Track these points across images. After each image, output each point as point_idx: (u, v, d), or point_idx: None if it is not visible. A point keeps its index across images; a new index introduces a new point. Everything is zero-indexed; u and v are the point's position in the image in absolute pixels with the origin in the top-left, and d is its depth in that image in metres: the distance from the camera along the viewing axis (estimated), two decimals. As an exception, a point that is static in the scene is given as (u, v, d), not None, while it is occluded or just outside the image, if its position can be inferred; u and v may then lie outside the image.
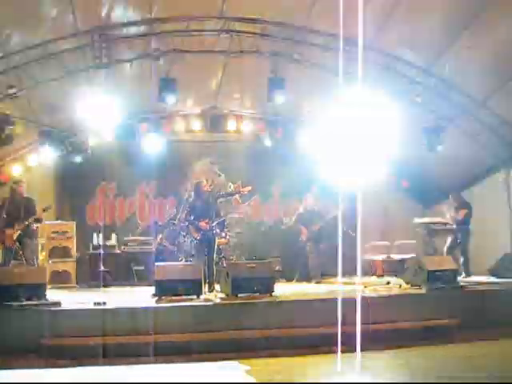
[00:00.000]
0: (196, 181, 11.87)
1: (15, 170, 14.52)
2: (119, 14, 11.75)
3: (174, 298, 9.33)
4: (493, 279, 12.29)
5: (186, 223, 11.94)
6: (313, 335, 8.36)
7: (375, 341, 8.22)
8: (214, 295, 10.20)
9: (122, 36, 12.26)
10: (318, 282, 12.96)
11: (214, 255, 11.42)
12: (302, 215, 13.81)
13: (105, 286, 13.49)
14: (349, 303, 9.09)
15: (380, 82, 13.46)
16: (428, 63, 13.01)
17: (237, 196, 15.13)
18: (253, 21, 12.58)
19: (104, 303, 8.86)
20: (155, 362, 7.38)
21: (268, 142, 15.99)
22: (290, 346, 8.03)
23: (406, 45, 12.71)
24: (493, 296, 9.78)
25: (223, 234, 13.60)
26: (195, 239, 11.37)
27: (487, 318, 9.23)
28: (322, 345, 8.09)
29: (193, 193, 11.72)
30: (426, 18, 11.42)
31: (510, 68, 11.98)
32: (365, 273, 15.71)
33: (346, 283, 13.30)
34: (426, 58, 12.90)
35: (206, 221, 11.16)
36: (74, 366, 7.16)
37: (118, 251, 14.49)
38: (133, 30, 12.35)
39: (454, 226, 13.23)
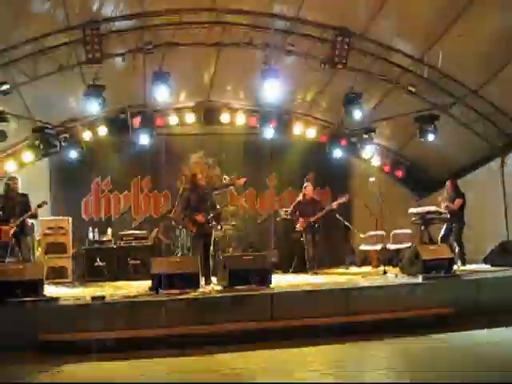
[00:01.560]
0: (191, 174, 11.77)
1: (10, 167, 14.47)
2: (110, 8, 11.73)
3: (171, 291, 9.34)
4: (488, 267, 12.31)
5: (182, 216, 11.79)
6: (311, 326, 8.37)
7: (373, 330, 8.26)
8: (211, 288, 10.21)
9: (113, 30, 12.23)
10: (314, 273, 12.97)
11: (211, 248, 11.41)
12: (301, 204, 13.72)
13: (101, 280, 13.49)
14: (346, 293, 9.17)
15: (373, 71, 13.57)
16: (421, 52, 13.00)
17: (232, 188, 15.12)
18: (245, 12, 12.57)
19: (102, 298, 8.88)
20: (155, 356, 7.37)
21: (262, 134, 15.98)
22: (288, 337, 8.03)
23: (399, 34, 12.72)
24: (488, 284, 9.81)
25: (219, 227, 13.58)
26: (191, 232, 11.32)
27: (483, 306, 9.26)
28: (320, 335, 8.11)
29: (188, 186, 11.61)
30: (419, 6, 11.43)
31: (503, 56, 11.99)
32: (361, 263, 15.79)
33: (342, 274, 13.41)
34: (419, 46, 12.90)
35: (202, 214, 11.10)
36: (72, 362, 7.15)
37: (114, 246, 14.47)
38: (125, 23, 12.33)
39: (448, 216, 13.24)
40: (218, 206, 11.82)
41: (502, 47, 11.76)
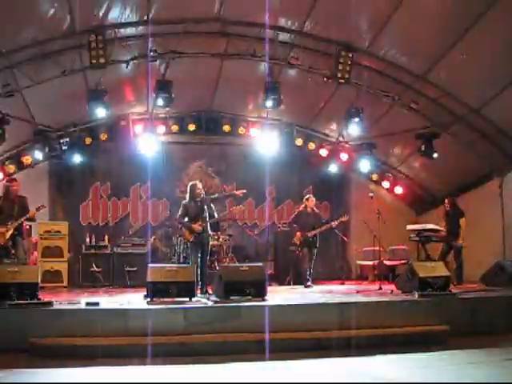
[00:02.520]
0: (191, 183, 11.71)
1: (9, 169, 14.47)
2: (116, 14, 11.77)
3: (166, 299, 9.32)
4: (484, 287, 12.30)
5: (180, 225, 11.87)
6: (305, 339, 8.36)
7: (366, 346, 8.24)
8: (206, 298, 10.20)
9: (118, 37, 12.27)
10: (310, 286, 12.95)
11: (207, 257, 11.43)
12: (301, 215, 13.65)
13: (97, 286, 13.49)
14: (342, 308, 9.16)
15: (375, 86, 13.60)
16: (424, 70, 13.05)
17: (231, 198, 15.15)
18: (249, 24, 12.63)
19: (96, 304, 8.86)
20: (146, 364, 7.36)
21: (263, 145, 16.00)
22: (283, 350, 8.01)
23: (403, 51, 12.76)
24: (484, 304, 9.79)
25: (216, 237, 13.59)
26: (188, 241, 11.31)
27: (478, 325, 9.25)
28: (314, 349, 8.10)
29: (187, 194, 11.54)
30: (422, 25, 11.47)
31: (505, 76, 12.03)
32: (357, 278, 15.79)
33: (337, 288, 13.39)
34: (422, 64, 12.94)
35: (200, 223, 11.11)
36: (64, 367, 7.13)
37: (111, 252, 14.45)
38: (130, 30, 12.38)
39: (445, 233, 13.25)
40: (216, 216, 11.84)
41: (504, 67, 11.80)
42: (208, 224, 11.28)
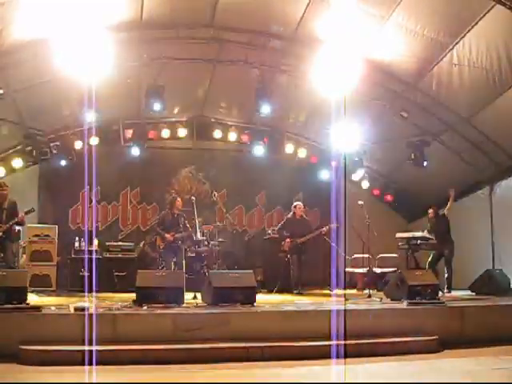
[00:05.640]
0: (172, 196, 13.21)
1: (-2, 172, 14.43)
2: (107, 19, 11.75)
3: (154, 305, 9.27)
4: (473, 295, 12.33)
5: (155, 232, 13.20)
6: (293, 347, 8.34)
7: (355, 354, 8.23)
8: (195, 304, 10.16)
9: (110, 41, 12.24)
10: (299, 294, 12.93)
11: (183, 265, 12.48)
12: (290, 222, 13.68)
13: (84, 291, 13.41)
14: (329, 315, 9.14)
15: (368, 95, 13.64)
16: (415, 78, 13.09)
17: (221, 205, 15.18)
18: (242, 31, 12.64)
19: (85, 308, 8.80)
20: (135, 371, 7.32)
21: (253, 152, 16.02)
22: (271, 358, 7.99)
23: (394, 58, 12.79)
24: (473, 312, 9.80)
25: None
26: (160, 248, 12.64)
27: (467, 334, 9.25)
28: (303, 356, 8.07)
29: (167, 206, 12.99)
30: (414, 32, 11.51)
31: (496, 86, 12.08)
32: (346, 285, 15.78)
33: (326, 295, 13.37)
34: (413, 73, 12.98)
35: (172, 233, 12.36)
36: (53, 373, 7.08)
37: (100, 256, 14.39)
38: (122, 35, 12.34)
39: (435, 241, 13.28)
40: (190, 229, 12.73)
41: (495, 77, 11.85)
42: (178, 235, 12.45)
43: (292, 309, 9.78)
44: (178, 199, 12.94)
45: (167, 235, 12.37)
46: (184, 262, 12.74)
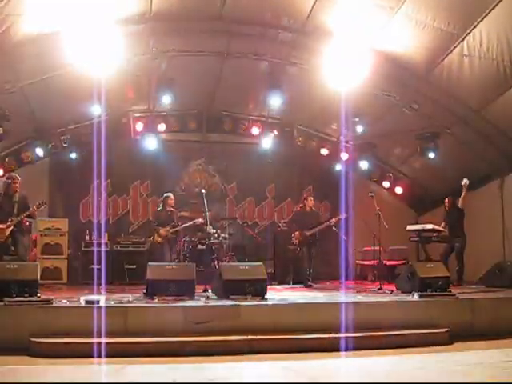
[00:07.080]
0: (165, 194, 13.46)
1: (10, 165, 14.45)
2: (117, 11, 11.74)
3: (165, 298, 9.30)
4: (484, 288, 12.29)
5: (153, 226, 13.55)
6: (305, 339, 8.34)
7: (366, 347, 8.23)
8: (206, 296, 10.17)
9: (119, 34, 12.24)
10: (309, 286, 12.94)
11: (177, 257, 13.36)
12: (299, 215, 13.69)
13: (95, 284, 13.45)
14: (341, 308, 9.13)
15: (378, 87, 13.58)
16: (425, 70, 13.01)
17: (231, 197, 15.20)
18: (251, 23, 12.59)
19: (96, 301, 8.82)
20: (146, 363, 7.33)
21: (263, 144, 16.00)
22: (282, 350, 7.99)
23: (404, 51, 12.72)
24: (483, 305, 9.77)
25: (216, 235, 13.68)
26: (157, 242, 13.10)
27: (478, 326, 9.23)
28: (314, 349, 8.07)
29: (161, 204, 13.55)
30: (424, 23, 11.42)
31: (507, 77, 12.00)
32: (356, 278, 15.76)
33: (337, 288, 13.37)
34: (423, 65, 12.90)
35: (167, 229, 12.98)
36: (63, 365, 7.11)
37: (110, 249, 14.43)
38: (131, 28, 12.32)
39: (447, 234, 13.24)
40: (179, 225, 13.26)
41: (506, 69, 11.77)
42: (171, 230, 13.04)
43: (303, 301, 9.78)
44: (171, 197, 13.39)
45: (161, 230, 12.98)
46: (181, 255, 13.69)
